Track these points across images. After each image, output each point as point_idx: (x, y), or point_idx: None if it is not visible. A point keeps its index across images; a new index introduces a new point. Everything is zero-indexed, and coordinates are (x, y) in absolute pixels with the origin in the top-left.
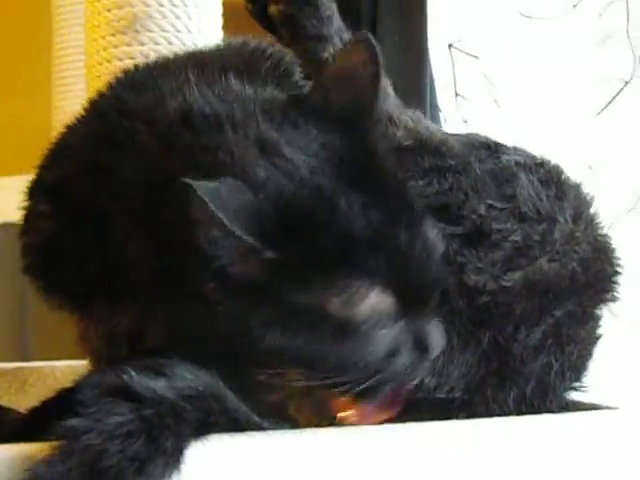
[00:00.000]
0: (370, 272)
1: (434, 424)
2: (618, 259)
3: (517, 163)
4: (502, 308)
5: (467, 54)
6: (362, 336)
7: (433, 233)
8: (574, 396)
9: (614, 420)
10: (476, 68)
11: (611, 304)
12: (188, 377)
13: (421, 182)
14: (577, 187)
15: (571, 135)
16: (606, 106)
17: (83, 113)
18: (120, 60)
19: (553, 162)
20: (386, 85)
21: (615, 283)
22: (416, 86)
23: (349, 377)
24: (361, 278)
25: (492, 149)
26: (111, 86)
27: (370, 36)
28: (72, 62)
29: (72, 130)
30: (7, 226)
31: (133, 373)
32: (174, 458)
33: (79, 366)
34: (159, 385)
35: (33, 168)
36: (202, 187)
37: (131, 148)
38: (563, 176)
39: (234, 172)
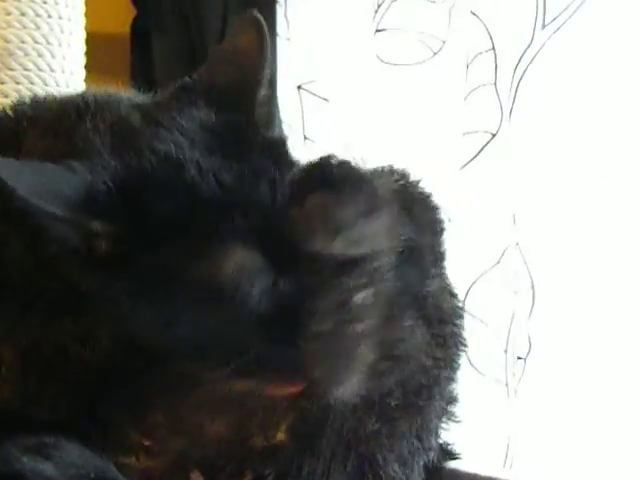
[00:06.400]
0: (228, 231)
1: None
2: None
3: None
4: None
5: (317, 96)
6: (238, 296)
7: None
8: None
9: None
10: (326, 111)
11: None
12: (78, 462)
13: None
14: None
15: (433, 189)
16: (471, 159)
17: None
18: None
19: None
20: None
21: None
22: None
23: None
24: (217, 238)
25: None
26: None
27: (259, 17)
28: None
29: None
30: None
31: (24, 458)
32: None
33: None
34: (50, 470)
35: None
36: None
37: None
38: None
39: (82, 156)
